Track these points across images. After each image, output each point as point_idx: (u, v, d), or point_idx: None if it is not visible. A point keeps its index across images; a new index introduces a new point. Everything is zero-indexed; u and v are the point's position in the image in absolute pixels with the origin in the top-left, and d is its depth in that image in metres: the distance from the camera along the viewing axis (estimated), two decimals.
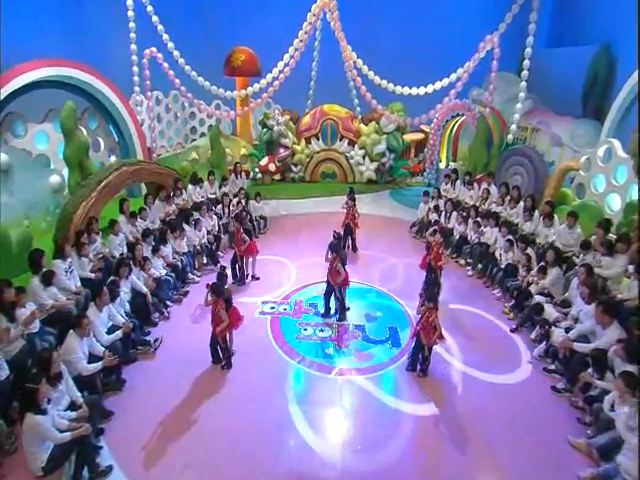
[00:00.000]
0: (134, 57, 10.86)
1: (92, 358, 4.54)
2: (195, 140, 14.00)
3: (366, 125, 12.60)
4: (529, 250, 6.55)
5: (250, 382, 5.02)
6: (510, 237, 7.14)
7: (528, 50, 10.24)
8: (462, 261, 8.03)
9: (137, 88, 11.15)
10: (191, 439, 4.25)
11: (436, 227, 7.17)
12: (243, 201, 8.91)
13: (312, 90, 13.89)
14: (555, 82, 11.17)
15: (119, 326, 5.02)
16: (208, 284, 5.15)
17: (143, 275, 6.15)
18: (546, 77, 11.32)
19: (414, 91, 12.03)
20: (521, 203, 7.82)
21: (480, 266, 7.54)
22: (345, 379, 5.10)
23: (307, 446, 4.18)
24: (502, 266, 6.98)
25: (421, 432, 4.36)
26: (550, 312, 5.48)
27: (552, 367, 5.10)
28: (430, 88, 11.89)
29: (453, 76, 11.49)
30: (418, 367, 5.09)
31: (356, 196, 8.43)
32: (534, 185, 8.76)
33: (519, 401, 4.75)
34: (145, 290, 5.93)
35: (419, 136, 13.77)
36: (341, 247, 5.92)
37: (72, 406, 3.97)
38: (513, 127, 10.61)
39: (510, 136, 10.57)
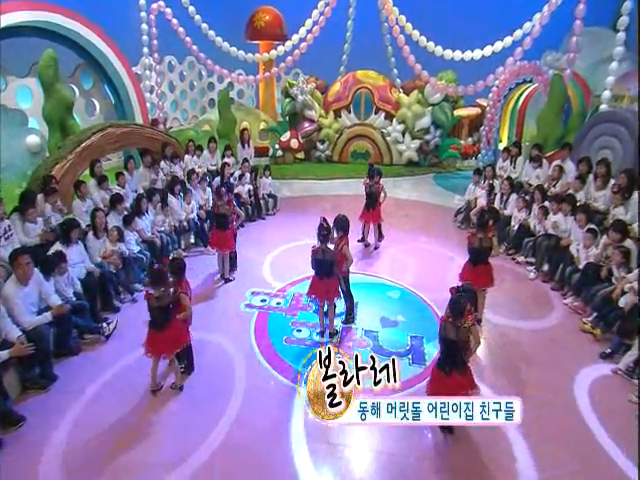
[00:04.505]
0: (143, 14, 10.33)
1: (7, 345, 3.73)
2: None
3: (407, 95, 11.24)
4: (628, 242, 5.00)
5: (210, 398, 4.00)
6: (593, 227, 5.60)
7: None
8: (521, 258, 6.59)
9: (146, 49, 10.62)
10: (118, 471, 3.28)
11: (484, 206, 5.74)
12: (248, 174, 7.96)
13: (346, 54, 12.75)
14: None
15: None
16: (166, 258, 4.26)
17: (107, 246, 5.34)
18: None
19: (468, 55, 10.50)
20: (612, 183, 6.20)
21: (547, 266, 6.11)
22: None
23: None
24: (580, 266, 5.48)
25: None
26: None
27: None
28: (488, 50, 10.30)
29: (518, 32, 9.80)
30: None
31: (392, 180, 7.19)
32: (634, 161, 6.97)
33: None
34: (95, 264, 5.11)
35: (474, 111, 12.15)
36: (347, 224, 4.76)
37: None
38: (606, 94, 8.73)
39: (604, 106, 8.68)
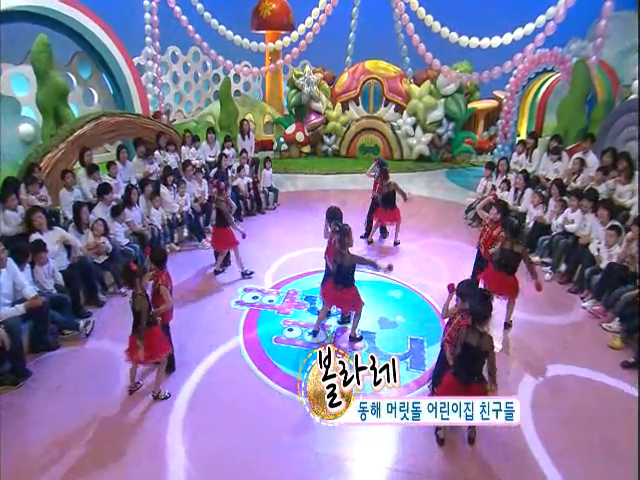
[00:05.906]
0: (146, 2, 10.27)
1: None
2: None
3: (419, 86, 10.92)
4: None
5: (191, 400, 3.80)
6: (616, 223, 5.25)
7: None
8: (536, 258, 6.25)
9: (148, 39, 10.56)
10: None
11: (491, 197, 5.46)
12: (247, 166, 7.77)
13: (352, 43, 12.49)
14: None
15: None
16: (148, 248, 4.09)
17: (89, 238, 5.20)
18: None
19: (485, 42, 10.13)
20: (637, 174, 5.82)
21: (564, 266, 5.79)
22: None
23: None
24: (602, 266, 5.14)
25: None
26: None
27: None
28: (508, 38, 9.92)
29: (541, 18, 9.39)
30: None
31: (403, 176, 6.94)
32: None
33: None
34: (78, 243, 4.98)
35: (491, 104, 11.74)
36: (340, 216, 4.58)
37: None
38: (636, 84, 8.26)
39: (634, 96, 8.19)
